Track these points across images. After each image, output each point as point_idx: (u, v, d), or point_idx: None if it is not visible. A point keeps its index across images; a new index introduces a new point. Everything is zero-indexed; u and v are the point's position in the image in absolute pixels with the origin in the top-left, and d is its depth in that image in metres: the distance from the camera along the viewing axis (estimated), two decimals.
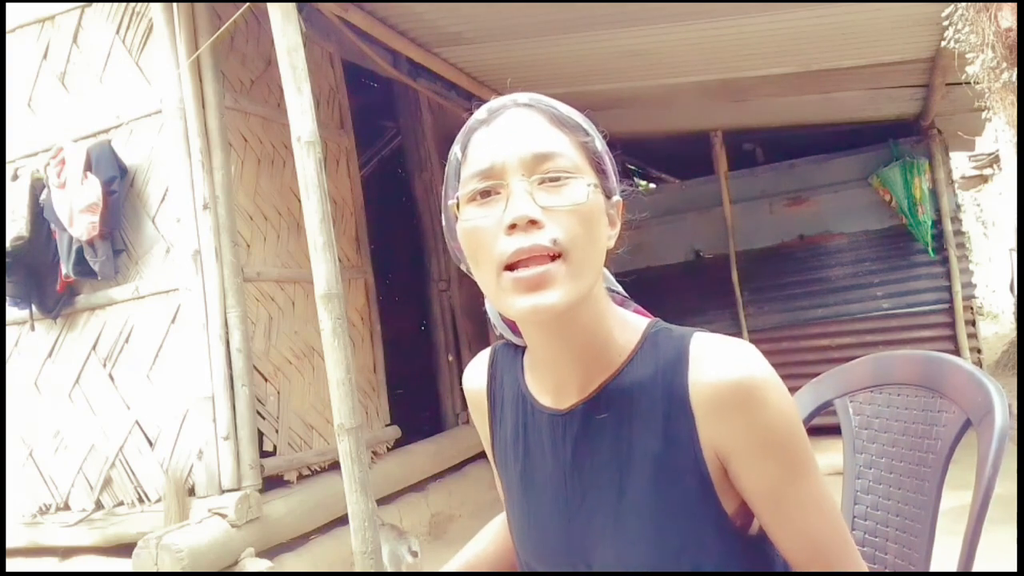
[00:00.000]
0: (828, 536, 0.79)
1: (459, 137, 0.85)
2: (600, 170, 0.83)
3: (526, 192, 0.76)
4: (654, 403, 0.81)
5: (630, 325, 0.87)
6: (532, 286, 0.75)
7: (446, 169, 0.87)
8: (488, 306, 0.95)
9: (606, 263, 0.86)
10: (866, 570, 0.83)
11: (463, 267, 0.88)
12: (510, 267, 0.76)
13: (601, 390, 0.84)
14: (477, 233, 0.78)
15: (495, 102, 0.85)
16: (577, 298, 0.77)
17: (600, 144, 0.85)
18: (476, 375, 1.01)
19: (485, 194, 0.79)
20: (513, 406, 0.93)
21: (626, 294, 0.94)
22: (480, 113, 0.85)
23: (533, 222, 0.75)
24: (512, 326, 0.94)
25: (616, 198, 0.86)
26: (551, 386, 0.88)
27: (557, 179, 0.78)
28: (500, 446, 0.96)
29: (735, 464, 0.78)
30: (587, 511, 0.84)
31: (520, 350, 0.96)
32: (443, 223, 0.89)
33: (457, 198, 0.82)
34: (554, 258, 0.76)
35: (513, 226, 0.75)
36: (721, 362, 0.78)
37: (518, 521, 0.93)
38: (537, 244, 0.75)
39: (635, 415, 0.82)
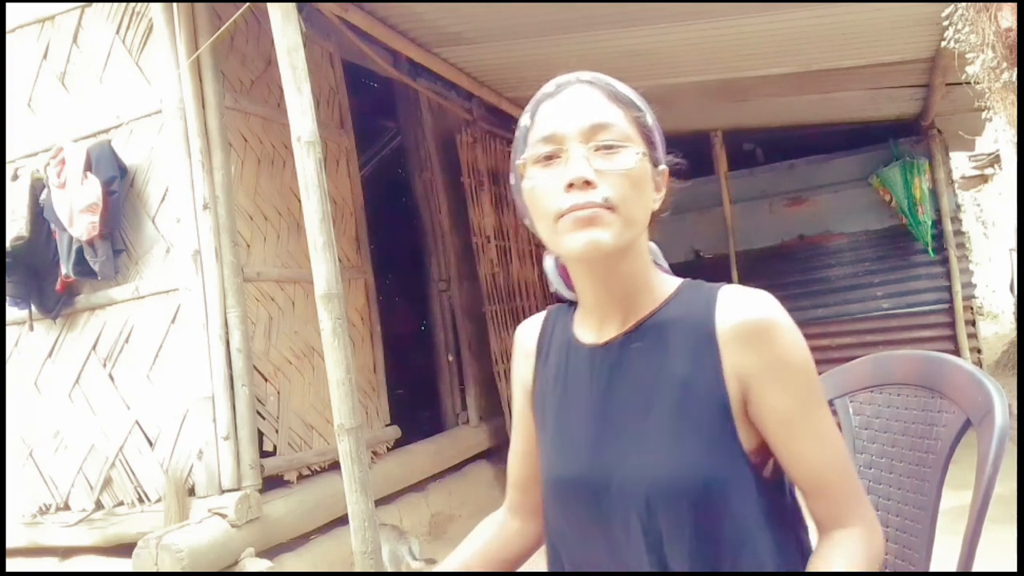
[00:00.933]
0: (834, 467, 0.89)
1: (528, 107, 0.97)
2: (649, 141, 0.94)
3: (583, 157, 0.88)
4: (685, 337, 0.91)
5: (667, 280, 0.99)
6: (586, 223, 0.87)
7: (515, 134, 0.99)
8: (547, 263, 1.07)
9: (653, 236, 0.99)
10: (868, 503, 0.91)
11: (526, 222, 1.00)
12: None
13: (638, 326, 0.95)
14: (539, 191, 0.91)
15: (561, 78, 0.97)
16: (624, 242, 0.89)
17: (651, 119, 0.96)
18: (532, 326, 1.11)
19: (548, 158, 0.91)
20: (559, 351, 1.04)
21: (669, 268, 1.04)
22: (548, 87, 0.97)
23: (588, 182, 0.87)
24: (566, 278, 1.04)
25: (662, 167, 0.97)
26: (595, 327, 0.99)
27: (611, 147, 0.89)
28: (541, 385, 1.05)
29: (754, 392, 0.88)
30: (615, 430, 0.93)
31: (572, 307, 1.05)
32: (511, 182, 1.01)
33: (524, 159, 0.94)
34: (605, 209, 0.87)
35: (571, 185, 0.87)
36: (745, 304, 0.90)
37: (549, 445, 1.01)
38: (591, 200, 0.87)
39: (667, 347, 0.92)
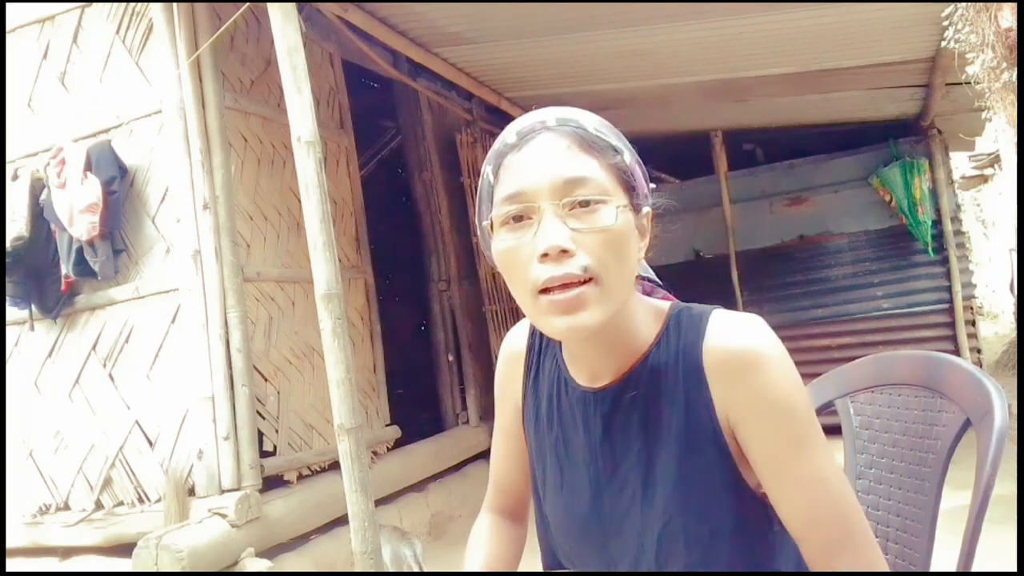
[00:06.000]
0: (829, 513, 0.81)
1: (489, 158, 0.87)
2: (630, 187, 0.85)
3: (557, 218, 0.79)
4: (676, 380, 0.86)
5: (655, 312, 0.91)
6: (567, 308, 0.79)
7: (479, 188, 0.89)
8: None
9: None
10: (866, 547, 0.81)
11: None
12: (544, 291, 0.79)
13: (630, 372, 0.89)
14: (511, 257, 0.82)
15: (523, 124, 0.85)
16: (609, 317, 0.81)
17: (629, 157, 0.86)
18: (517, 339, 1.05)
19: (518, 218, 0.81)
20: (549, 379, 0.98)
21: (659, 281, 0.98)
22: (510, 136, 0.86)
23: (564, 251, 0.78)
24: None
25: (646, 209, 0.88)
26: (586, 372, 0.93)
27: (587, 203, 0.80)
28: (531, 412, 1.01)
29: (741, 430, 0.83)
30: (618, 483, 0.89)
31: None
32: (479, 239, 0.92)
33: (490, 220, 0.84)
34: (585, 281, 0.79)
35: (545, 255, 0.78)
36: (731, 332, 0.84)
37: (551, 484, 0.97)
38: (568, 273, 0.78)
39: (661, 392, 0.87)
